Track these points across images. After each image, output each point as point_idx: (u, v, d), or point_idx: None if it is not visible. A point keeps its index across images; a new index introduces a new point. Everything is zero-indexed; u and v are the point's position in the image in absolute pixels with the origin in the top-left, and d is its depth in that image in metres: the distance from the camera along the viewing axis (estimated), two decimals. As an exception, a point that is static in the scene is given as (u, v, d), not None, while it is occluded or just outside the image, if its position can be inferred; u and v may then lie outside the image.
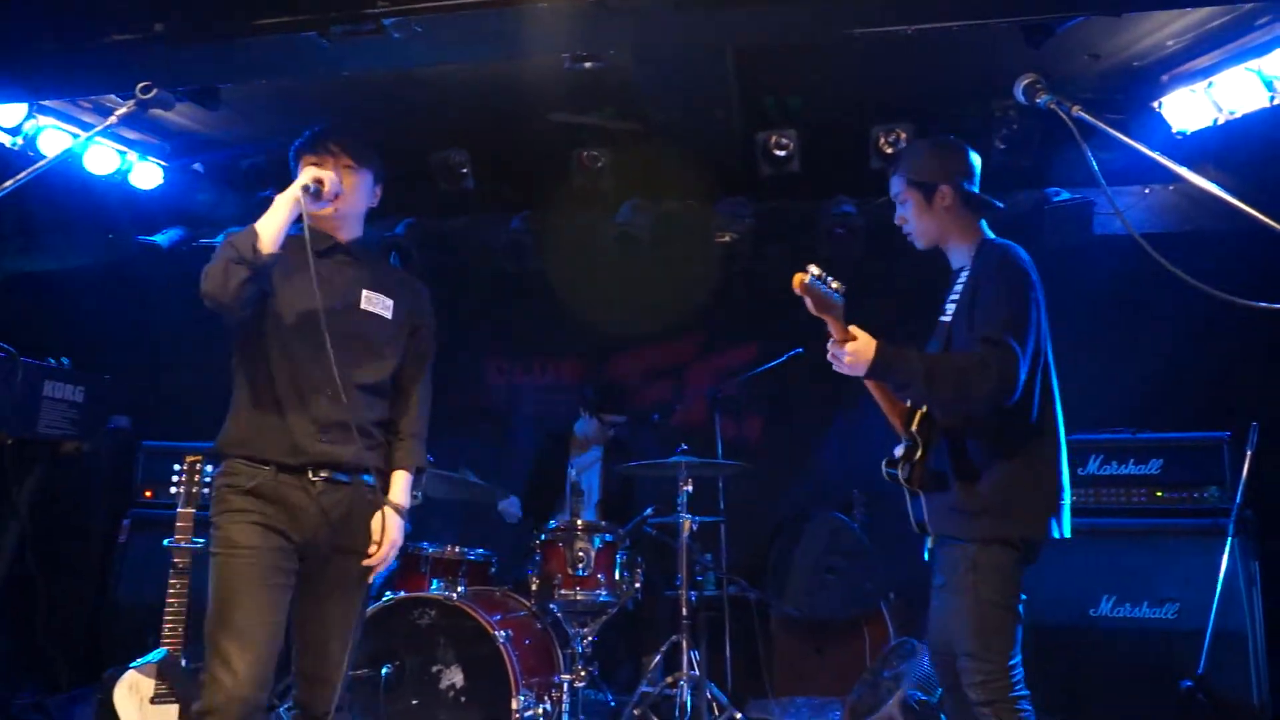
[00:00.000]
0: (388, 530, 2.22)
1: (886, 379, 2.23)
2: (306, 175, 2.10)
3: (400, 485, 2.33)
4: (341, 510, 2.20)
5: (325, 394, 2.15)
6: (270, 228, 2.06)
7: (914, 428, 2.34)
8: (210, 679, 1.99)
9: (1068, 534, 2.22)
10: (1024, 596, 2.19)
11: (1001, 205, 2.39)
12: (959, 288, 2.35)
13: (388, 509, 2.23)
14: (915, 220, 2.42)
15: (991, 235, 2.40)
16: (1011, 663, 2.15)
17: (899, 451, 2.39)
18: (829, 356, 2.21)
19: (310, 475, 2.15)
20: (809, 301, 2.12)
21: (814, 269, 2.10)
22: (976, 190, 2.39)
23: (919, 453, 2.33)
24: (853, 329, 2.18)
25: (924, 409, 2.34)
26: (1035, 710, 2.14)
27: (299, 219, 2.11)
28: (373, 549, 2.22)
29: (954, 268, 2.44)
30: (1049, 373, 2.27)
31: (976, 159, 2.43)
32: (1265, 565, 3.50)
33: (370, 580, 2.25)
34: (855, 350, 2.16)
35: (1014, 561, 2.18)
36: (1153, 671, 3.44)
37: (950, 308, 2.37)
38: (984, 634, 2.14)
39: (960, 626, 2.18)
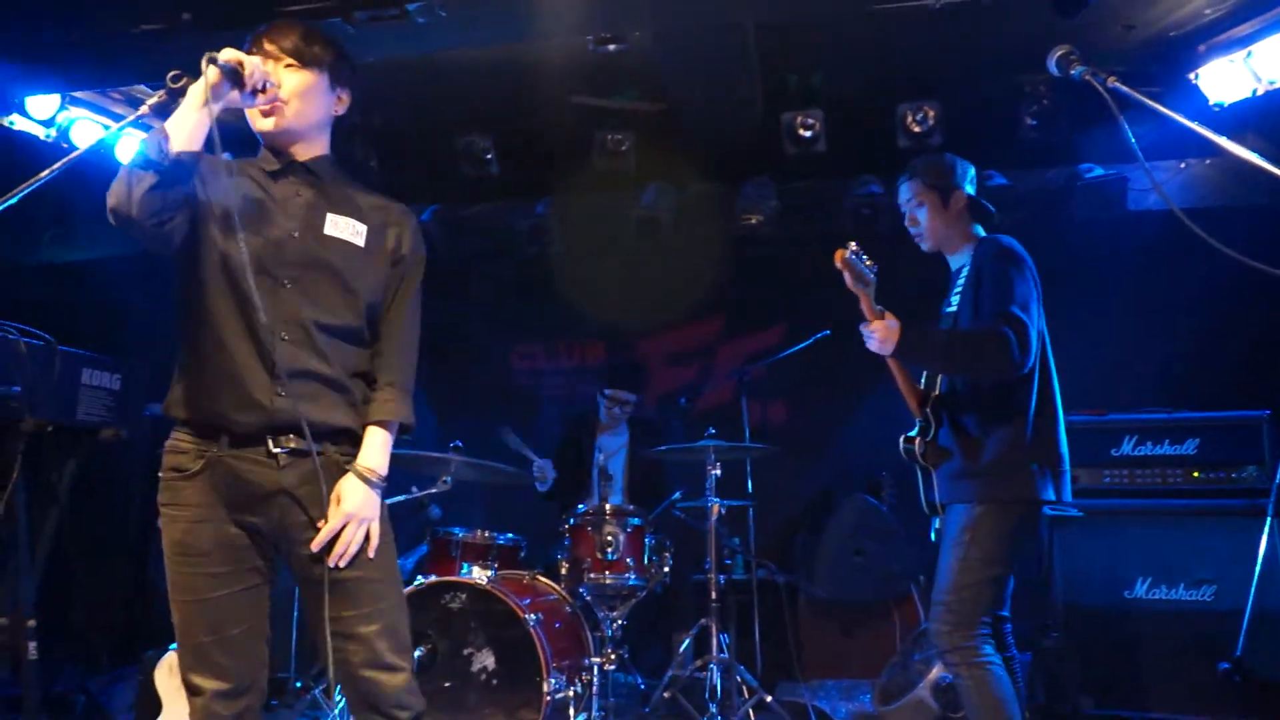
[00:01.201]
0: (342, 498, 1.76)
1: (911, 356, 2.43)
2: (224, 54, 1.67)
3: (371, 445, 1.83)
4: (312, 487, 1.75)
5: (281, 335, 1.76)
6: (180, 122, 1.66)
7: (928, 408, 2.53)
8: (187, 692, 1.77)
9: (1067, 498, 2.37)
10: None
11: (994, 210, 2.62)
12: (961, 283, 2.53)
13: (350, 474, 1.79)
14: (929, 221, 2.60)
15: (984, 233, 2.59)
16: (984, 619, 2.29)
17: (913, 431, 2.59)
18: (863, 336, 2.42)
19: (270, 445, 1.74)
20: (847, 275, 2.34)
21: (854, 245, 2.32)
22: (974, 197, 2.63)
23: (931, 431, 2.52)
24: (883, 311, 2.39)
25: (937, 391, 2.53)
26: (1000, 671, 2.26)
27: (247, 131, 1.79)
28: (322, 523, 1.75)
29: (953, 268, 2.64)
30: (1045, 348, 2.43)
31: (972, 170, 2.65)
32: (1305, 546, 3.44)
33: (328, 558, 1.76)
34: (885, 329, 2.36)
35: (1011, 525, 2.32)
36: (1189, 653, 3.40)
37: (955, 299, 2.54)
38: (962, 587, 2.29)
39: (943, 577, 2.33)
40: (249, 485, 1.75)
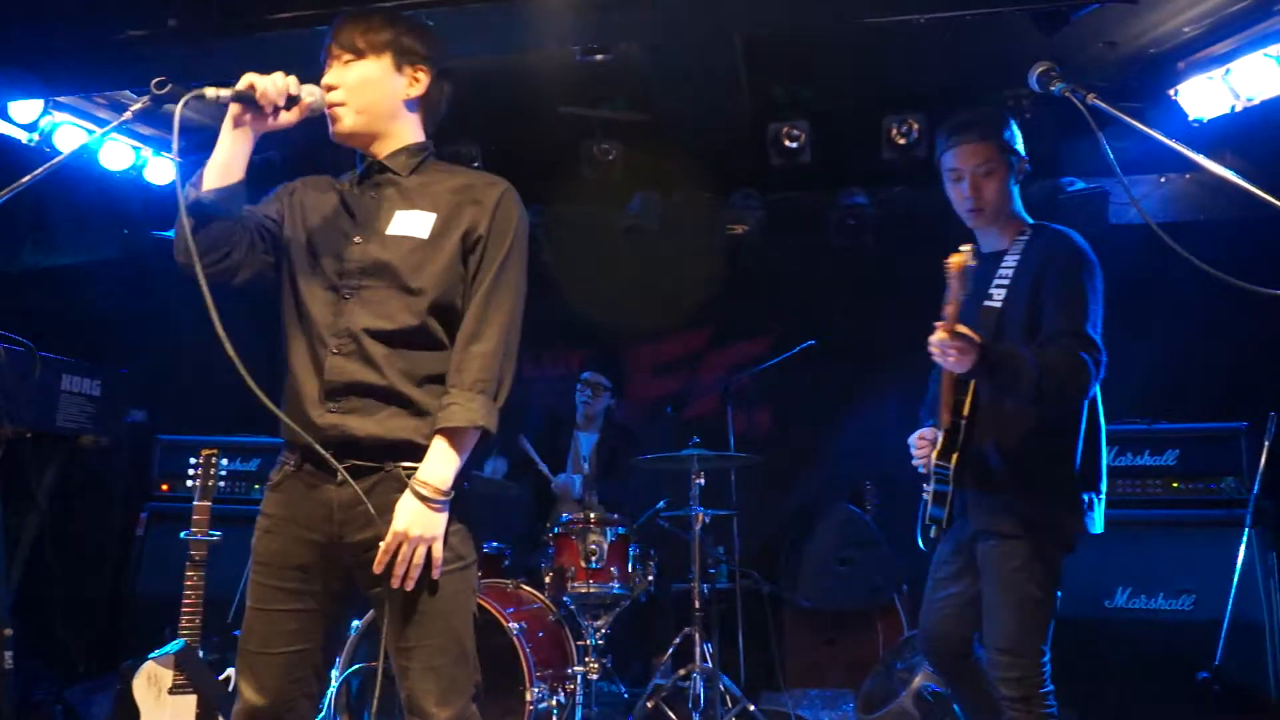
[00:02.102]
0: (396, 516, 1.62)
1: (991, 376, 2.12)
2: (241, 83, 1.62)
3: (431, 457, 1.66)
4: (365, 507, 1.63)
5: (332, 348, 1.68)
6: (211, 160, 1.65)
7: (962, 417, 2.26)
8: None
9: (1101, 529, 2.21)
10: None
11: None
12: (1009, 272, 2.25)
13: (406, 490, 1.65)
14: (997, 195, 2.27)
15: (1031, 220, 2.33)
16: (1044, 659, 2.14)
17: (929, 434, 2.35)
18: (932, 344, 2.09)
19: (331, 462, 1.63)
20: (954, 285, 2.01)
21: (969, 250, 1.98)
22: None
23: (958, 442, 2.25)
24: (959, 326, 2.06)
25: (970, 399, 2.24)
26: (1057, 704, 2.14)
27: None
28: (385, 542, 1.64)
29: (984, 250, 2.31)
30: None
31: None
32: (1283, 556, 3.48)
33: (436, 580, 1.65)
34: (967, 340, 2.05)
35: (1061, 555, 2.18)
36: (1169, 663, 3.43)
37: (999, 293, 2.25)
38: (1025, 631, 2.12)
39: (998, 621, 2.14)
40: (312, 503, 1.69)
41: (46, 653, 4.16)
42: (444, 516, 1.66)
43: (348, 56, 1.75)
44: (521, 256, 1.81)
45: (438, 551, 1.66)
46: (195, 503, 3.09)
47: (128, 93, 3.62)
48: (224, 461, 3.23)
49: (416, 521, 1.63)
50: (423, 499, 1.64)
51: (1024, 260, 2.23)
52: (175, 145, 1.62)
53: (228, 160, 1.66)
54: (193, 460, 3.16)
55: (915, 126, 3.93)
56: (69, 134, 3.79)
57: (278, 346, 1.79)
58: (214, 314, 1.49)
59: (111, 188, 4.20)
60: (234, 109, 1.64)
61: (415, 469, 1.66)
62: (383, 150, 1.80)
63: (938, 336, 2.06)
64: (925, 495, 2.38)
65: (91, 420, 3.40)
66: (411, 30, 1.80)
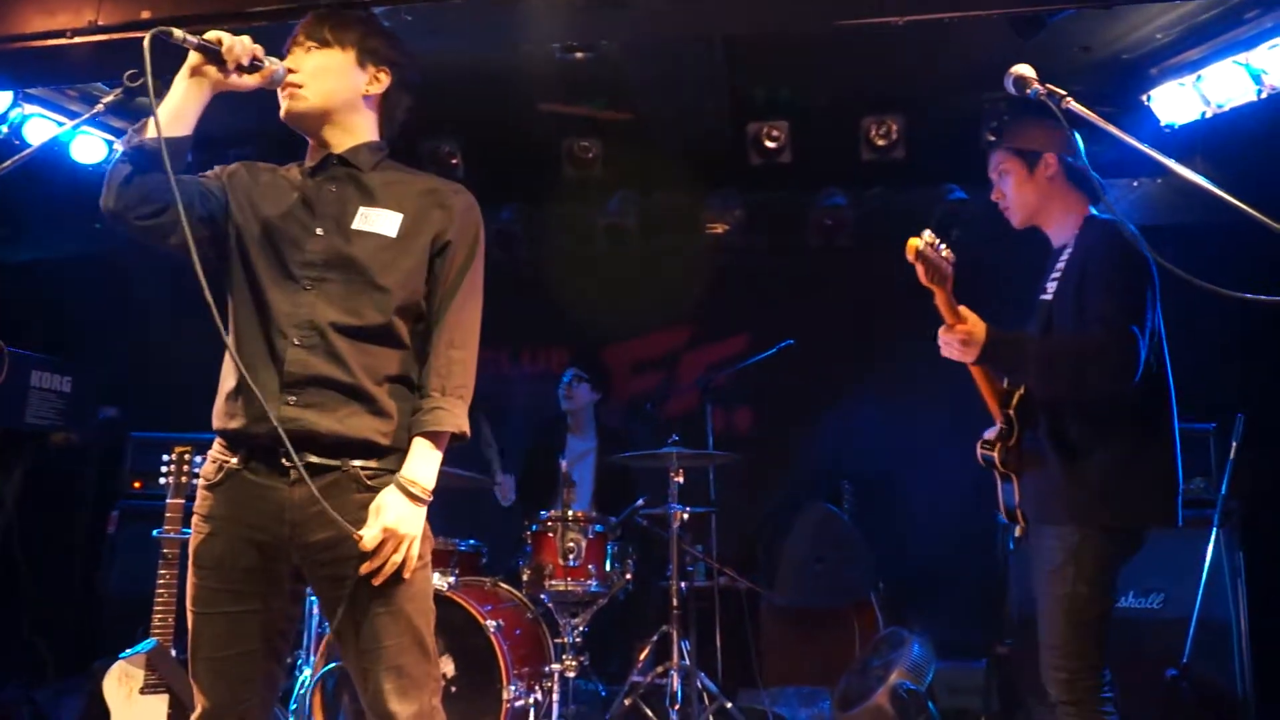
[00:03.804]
0: (382, 510, 1.61)
1: (996, 364, 2.17)
2: (209, 34, 1.60)
3: (414, 457, 1.68)
4: (316, 505, 1.58)
5: (293, 339, 1.64)
6: (160, 107, 1.56)
7: (1011, 410, 2.25)
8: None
9: (1178, 522, 2.14)
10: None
11: (1104, 183, 2.26)
12: (1061, 265, 2.26)
13: (391, 485, 1.65)
14: (1015, 192, 2.33)
15: (1096, 212, 2.30)
16: (1098, 662, 2.08)
17: (991, 434, 2.31)
18: (939, 342, 2.14)
19: (284, 460, 1.60)
20: (920, 269, 2.04)
21: (928, 234, 2.02)
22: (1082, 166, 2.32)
23: (1013, 436, 2.24)
24: (962, 310, 2.10)
25: (1022, 390, 2.24)
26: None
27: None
28: (361, 533, 1.60)
29: (1054, 245, 2.35)
30: (1162, 354, 2.20)
31: (1079, 139, 2.33)
32: (1249, 556, 3.54)
33: (390, 579, 1.63)
34: (967, 334, 2.09)
35: (1114, 552, 2.10)
36: (1138, 661, 3.47)
37: (1051, 286, 2.27)
38: (1075, 629, 2.06)
39: (1050, 618, 2.10)
40: (262, 501, 1.64)
41: (15, 653, 4.10)
42: (423, 516, 1.67)
43: (311, 44, 1.76)
44: (482, 263, 1.83)
45: (414, 551, 1.65)
46: (168, 500, 3.06)
47: (100, 85, 3.57)
48: (198, 459, 3.20)
49: (405, 519, 1.62)
50: (413, 498, 1.64)
51: (1075, 252, 2.24)
52: (151, 85, 1.49)
53: (178, 108, 1.61)
54: (166, 457, 3.13)
55: (894, 127, 3.95)
56: (40, 126, 3.72)
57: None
58: (209, 296, 1.48)
59: (83, 181, 4.13)
60: (194, 58, 1.61)
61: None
62: (339, 142, 1.79)
63: (941, 333, 2.12)
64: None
65: (62, 417, 3.35)
66: (379, 33, 1.83)
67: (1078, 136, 2.34)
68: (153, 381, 4.74)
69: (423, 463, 1.68)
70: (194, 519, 1.70)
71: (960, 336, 2.09)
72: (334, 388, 1.65)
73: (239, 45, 1.62)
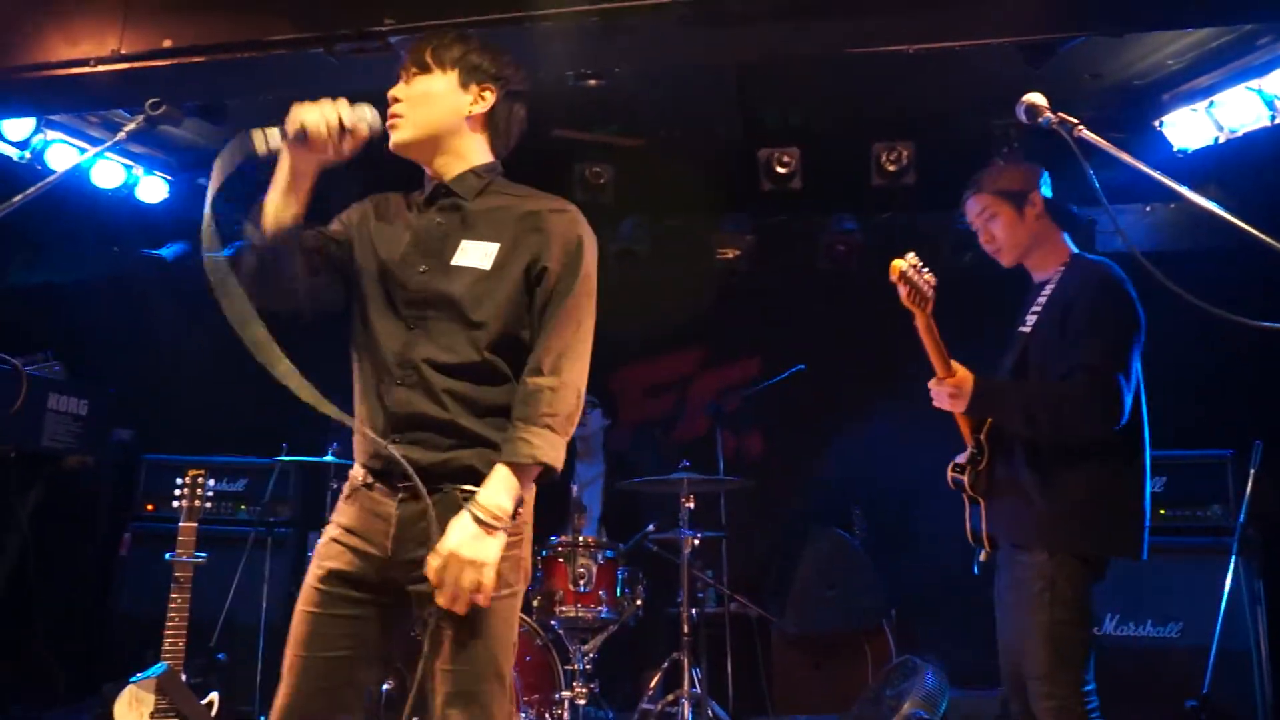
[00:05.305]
0: (447, 535, 1.57)
1: (985, 413, 2.25)
2: (291, 126, 1.61)
3: (491, 482, 1.62)
4: (422, 525, 1.61)
5: (396, 379, 1.67)
6: (268, 198, 1.63)
7: (982, 435, 2.31)
8: None
9: (1143, 556, 2.18)
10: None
11: (1080, 214, 2.37)
12: (1042, 300, 2.31)
13: (462, 510, 1.60)
14: (1007, 233, 2.36)
15: (1078, 250, 2.36)
16: (1086, 688, 2.08)
17: (962, 459, 2.36)
18: (930, 393, 2.27)
19: (395, 481, 1.65)
20: (903, 291, 2.14)
21: (911, 257, 2.11)
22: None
23: (984, 460, 2.30)
24: (953, 363, 2.22)
25: (987, 422, 2.32)
26: None
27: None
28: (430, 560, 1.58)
29: (1035, 280, 2.41)
30: (1139, 390, 2.23)
31: (1047, 175, 2.44)
32: (1269, 584, 3.49)
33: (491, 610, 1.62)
34: (956, 387, 2.21)
35: (1087, 577, 2.12)
36: (1157, 690, 3.42)
37: (1031, 319, 2.32)
38: (1058, 656, 2.06)
39: (1032, 648, 2.10)
40: (374, 517, 1.67)
41: (25, 673, 4.10)
42: (498, 543, 1.60)
43: (414, 70, 1.75)
44: (591, 285, 1.79)
45: (489, 579, 1.59)
46: (181, 523, 3.07)
47: (121, 112, 3.62)
48: (210, 482, 3.21)
49: (467, 543, 1.57)
50: (478, 521, 1.59)
51: (1058, 289, 2.29)
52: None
53: (275, 200, 1.64)
54: (179, 480, 3.14)
55: (905, 153, 3.97)
56: (61, 152, 3.79)
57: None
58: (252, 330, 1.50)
59: (102, 206, 4.20)
60: (289, 151, 1.62)
61: (474, 492, 1.63)
62: (448, 169, 1.78)
63: (931, 385, 2.25)
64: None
65: (78, 440, 3.37)
66: (482, 49, 1.80)
67: (1045, 173, 2.42)
68: (167, 405, 4.78)
69: (498, 489, 1.62)
70: (327, 525, 1.74)
71: (949, 390, 2.22)
72: (433, 427, 1.65)
73: (323, 126, 1.59)
